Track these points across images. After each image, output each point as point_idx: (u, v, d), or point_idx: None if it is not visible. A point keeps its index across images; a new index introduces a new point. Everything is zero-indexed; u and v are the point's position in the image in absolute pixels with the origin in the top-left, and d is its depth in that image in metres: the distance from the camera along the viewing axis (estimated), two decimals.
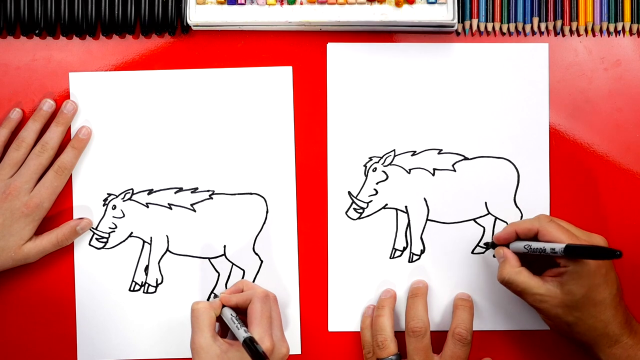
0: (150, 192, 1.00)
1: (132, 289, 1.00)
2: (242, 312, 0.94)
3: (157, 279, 1.00)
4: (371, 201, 0.99)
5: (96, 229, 0.99)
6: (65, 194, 0.99)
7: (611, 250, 0.82)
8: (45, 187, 0.96)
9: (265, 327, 0.91)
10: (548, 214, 0.98)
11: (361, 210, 0.99)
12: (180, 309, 0.99)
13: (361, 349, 0.99)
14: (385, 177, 0.99)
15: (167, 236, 1.00)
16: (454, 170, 0.99)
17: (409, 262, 0.99)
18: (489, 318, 0.99)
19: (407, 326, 0.94)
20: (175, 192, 1.00)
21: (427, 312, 0.95)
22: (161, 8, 0.99)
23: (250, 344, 0.86)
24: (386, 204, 0.99)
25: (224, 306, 0.94)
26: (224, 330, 0.95)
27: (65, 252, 0.99)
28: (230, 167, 1.00)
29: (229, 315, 0.92)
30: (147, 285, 1.00)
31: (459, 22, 0.98)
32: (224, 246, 1.00)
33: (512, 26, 0.99)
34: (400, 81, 0.99)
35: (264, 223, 1.00)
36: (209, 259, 1.00)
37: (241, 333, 0.88)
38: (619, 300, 0.89)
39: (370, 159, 0.99)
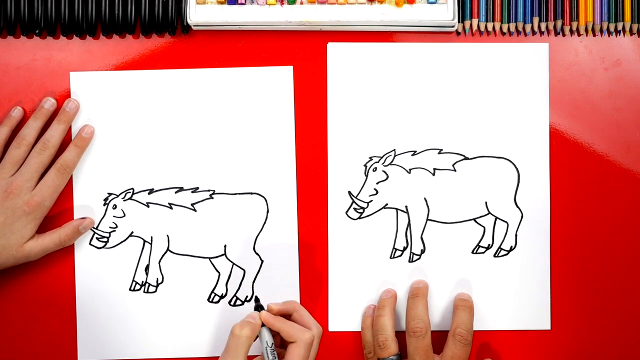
0: (151, 191, 1.00)
1: (132, 288, 1.00)
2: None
3: (157, 279, 1.00)
4: (371, 201, 0.99)
5: (97, 228, 0.99)
6: (66, 193, 0.99)
7: None
8: (46, 185, 0.96)
9: None
10: (548, 214, 0.98)
11: (361, 210, 0.99)
12: (180, 308, 0.99)
13: (361, 349, 0.99)
14: (385, 177, 0.99)
15: (167, 236, 1.00)
16: (454, 170, 0.99)
17: (409, 262, 0.99)
18: (489, 318, 0.99)
19: (408, 326, 0.94)
20: (176, 192, 1.00)
21: (428, 312, 0.95)
22: (161, 8, 0.99)
23: None
24: (386, 204, 0.99)
25: (263, 325, 0.91)
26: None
27: (65, 252, 0.99)
28: (231, 166, 1.00)
29: (264, 341, 0.89)
30: (147, 284, 1.00)
31: (459, 22, 0.98)
32: (225, 246, 1.00)
33: (512, 26, 0.98)
34: (400, 81, 0.99)
35: (265, 223, 1.00)
36: (210, 258, 1.00)
37: None
38: None
39: (371, 158, 0.99)
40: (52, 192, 0.97)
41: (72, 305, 1.00)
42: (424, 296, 0.97)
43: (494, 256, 0.99)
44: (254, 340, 0.89)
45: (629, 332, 0.99)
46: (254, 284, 1.00)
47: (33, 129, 0.97)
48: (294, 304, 0.94)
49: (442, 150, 0.99)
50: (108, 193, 1.00)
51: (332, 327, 1.00)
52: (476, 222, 0.99)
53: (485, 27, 0.99)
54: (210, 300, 1.00)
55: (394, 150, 0.99)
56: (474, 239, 0.99)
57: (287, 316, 0.93)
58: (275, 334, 0.91)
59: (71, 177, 0.99)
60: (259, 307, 0.92)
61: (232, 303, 1.00)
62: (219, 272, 1.00)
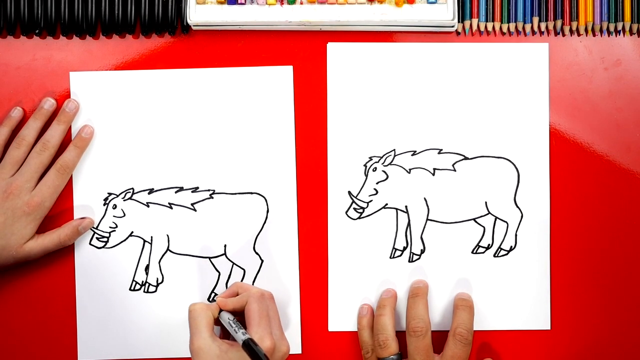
0: (151, 191, 1.00)
1: (132, 288, 1.00)
2: (240, 315, 0.94)
3: (157, 279, 1.00)
4: (371, 201, 0.99)
5: (97, 228, 0.99)
6: (66, 193, 0.99)
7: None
8: (46, 186, 0.96)
9: (264, 327, 0.91)
10: (548, 214, 0.98)
11: (361, 210, 0.99)
12: (180, 308, 0.99)
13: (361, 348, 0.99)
14: (385, 176, 0.99)
15: (167, 235, 1.00)
16: (454, 170, 0.99)
17: (409, 262, 0.99)
18: (489, 318, 0.99)
19: (408, 326, 0.94)
20: (176, 192, 1.00)
21: (428, 312, 0.95)
22: (161, 8, 0.99)
23: (250, 346, 0.86)
24: (386, 204, 0.99)
25: (221, 310, 0.94)
26: (224, 334, 0.95)
27: (65, 252, 0.99)
28: (231, 166, 1.00)
29: (226, 319, 0.92)
30: (147, 284, 1.00)
31: (459, 21, 0.98)
32: (225, 246, 1.00)
33: (512, 26, 0.98)
34: (400, 81, 0.99)
35: (265, 223, 1.00)
36: (210, 258, 1.00)
37: (239, 336, 0.88)
38: None
39: (371, 158, 0.99)
40: (52, 193, 0.97)
41: (72, 305, 1.00)
42: (424, 296, 0.97)
43: (494, 256, 0.99)
44: (215, 324, 0.93)
45: (629, 332, 0.99)
46: (254, 283, 1.00)
47: (33, 129, 0.97)
48: (237, 284, 0.98)
49: (442, 150, 0.99)
50: (108, 193, 1.00)
51: (332, 327, 1.00)
52: (476, 222, 0.99)
53: (485, 27, 0.99)
54: (210, 300, 1.00)
55: (394, 150, 0.99)
56: (474, 239, 0.99)
57: (241, 311, 0.95)
58: (238, 318, 0.93)
59: (71, 177, 0.99)
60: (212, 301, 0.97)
61: None
62: (219, 272, 1.00)
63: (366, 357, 0.97)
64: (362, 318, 0.98)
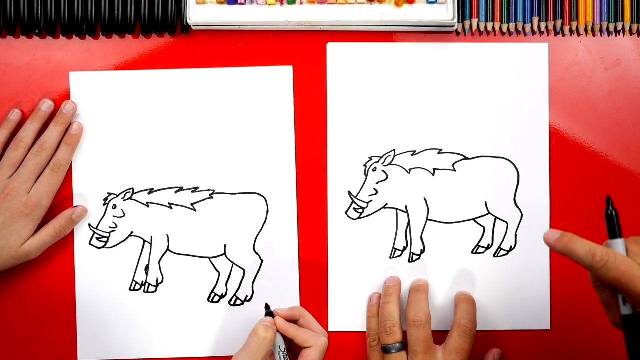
0: (151, 191, 1.00)
1: (132, 288, 1.00)
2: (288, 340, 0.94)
3: (157, 279, 1.00)
4: (371, 201, 0.99)
5: (97, 228, 0.99)
6: (66, 193, 0.99)
7: None
8: (42, 185, 0.96)
9: None
10: (548, 214, 0.98)
11: (361, 210, 0.99)
12: (180, 308, 0.99)
13: (361, 348, 0.99)
14: (385, 177, 0.99)
15: (167, 235, 1.00)
16: (454, 170, 0.99)
17: (409, 262, 0.99)
18: (489, 318, 0.99)
19: (409, 317, 0.94)
20: (176, 192, 1.00)
21: (429, 306, 0.95)
22: (161, 8, 0.99)
23: None
24: (386, 204, 0.99)
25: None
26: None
27: (65, 252, 0.99)
28: (231, 166, 1.00)
29: (277, 346, 0.92)
30: (147, 284, 1.00)
31: (459, 21, 0.98)
32: (225, 246, 1.00)
33: (512, 26, 0.98)
34: (400, 81, 0.99)
35: (265, 223, 1.00)
36: (210, 258, 1.00)
37: None
38: None
39: (370, 158, 0.99)
40: (49, 192, 0.97)
41: (72, 305, 1.00)
42: (425, 291, 0.97)
43: (494, 256, 0.99)
44: None
45: None
46: (254, 283, 1.00)
47: (30, 131, 0.97)
48: (300, 310, 0.97)
49: (442, 150, 0.99)
50: (108, 193, 1.00)
51: (332, 327, 1.00)
52: (476, 222, 0.99)
53: (485, 27, 0.99)
54: (210, 300, 1.00)
55: (394, 150, 0.99)
56: (474, 239, 0.99)
57: (294, 321, 0.95)
58: (285, 338, 0.93)
59: (71, 178, 0.99)
60: (269, 314, 0.94)
61: (232, 303, 1.00)
62: (219, 272, 1.00)
63: (371, 346, 0.97)
64: (372, 307, 0.98)
